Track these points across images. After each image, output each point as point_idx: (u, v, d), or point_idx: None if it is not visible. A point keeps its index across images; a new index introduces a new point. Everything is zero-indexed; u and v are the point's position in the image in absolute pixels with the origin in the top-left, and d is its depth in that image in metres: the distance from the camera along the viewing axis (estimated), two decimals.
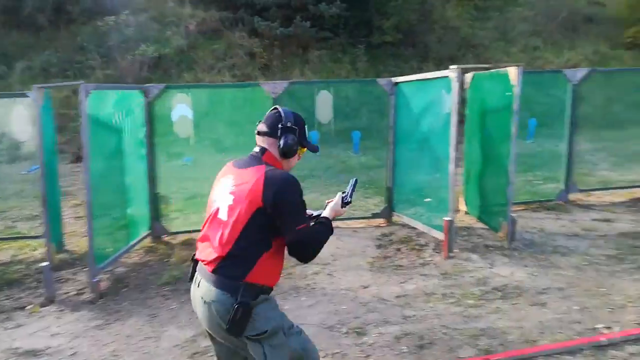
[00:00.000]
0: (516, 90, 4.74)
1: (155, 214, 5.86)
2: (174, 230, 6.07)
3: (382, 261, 5.07)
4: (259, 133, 2.24)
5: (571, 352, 3.27)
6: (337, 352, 3.42)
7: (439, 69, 15.57)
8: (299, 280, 4.70)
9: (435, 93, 5.05)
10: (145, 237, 5.77)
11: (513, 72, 4.74)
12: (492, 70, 5.41)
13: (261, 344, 2.03)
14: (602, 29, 17.37)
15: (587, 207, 6.59)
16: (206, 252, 2.10)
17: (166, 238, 6.01)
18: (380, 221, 6.41)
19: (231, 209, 2.05)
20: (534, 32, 17.12)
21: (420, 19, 16.40)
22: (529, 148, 11.85)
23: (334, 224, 2.27)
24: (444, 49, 16.31)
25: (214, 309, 2.01)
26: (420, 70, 15.95)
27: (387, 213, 6.38)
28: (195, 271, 2.18)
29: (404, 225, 6.11)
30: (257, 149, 2.22)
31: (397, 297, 4.24)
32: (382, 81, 6.00)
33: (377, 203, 6.76)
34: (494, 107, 5.37)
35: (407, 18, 15.89)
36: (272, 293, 2.15)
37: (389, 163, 6.29)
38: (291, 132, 2.18)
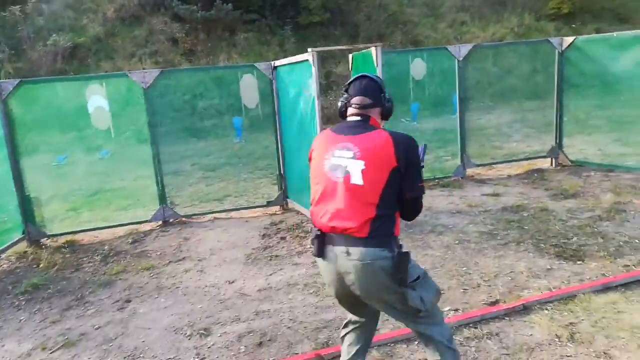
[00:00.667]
0: (379, 70, 4.60)
1: (30, 217, 5.51)
2: (55, 232, 5.73)
3: (260, 252, 4.91)
4: (365, 106, 2.26)
5: (406, 339, 3.19)
6: (170, 358, 3.24)
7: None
8: (166, 279, 4.48)
9: (303, 76, 4.86)
10: (17, 242, 5.43)
11: (374, 52, 4.60)
12: (364, 51, 5.26)
13: (415, 289, 2.17)
14: (527, 1, 17.60)
15: (482, 181, 6.61)
16: (347, 220, 2.13)
17: (47, 241, 5.67)
18: (276, 209, 6.26)
19: (366, 172, 2.11)
20: (462, 7, 17.19)
21: None
22: (453, 123, 11.91)
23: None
24: (373, 27, 16.19)
25: (379, 265, 2.11)
26: (350, 50, 15.82)
27: (282, 200, 6.23)
28: (324, 246, 2.21)
29: (298, 213, 5.98)
30: (358, 118, 2.27)
31: (259, 290, 4.09)
32: (261, 65, 5.78)
33: (273, 191, 6.57)
34: None
35: None
36: None
37: (279, 149, 6.12)
38: (387, 96, 2.33)
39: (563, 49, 6.52)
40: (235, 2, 15.05)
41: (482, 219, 5.19)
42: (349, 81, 2.36)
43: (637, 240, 4.33)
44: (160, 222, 5.95)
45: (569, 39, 6.50)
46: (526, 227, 4.85)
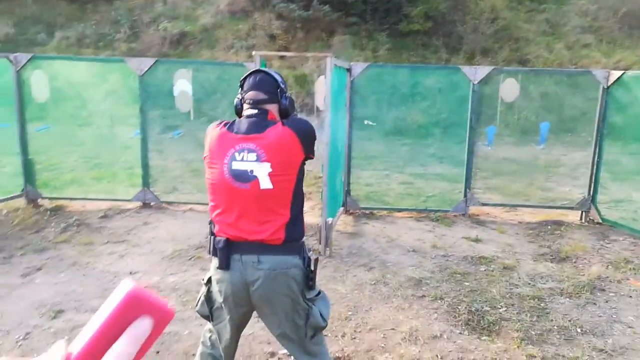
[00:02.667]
0: (328, 81, 4.23)
1: (30, 178, 6.07)
2: (49, 195, 6.25)
3: (189, 250, 4.83)
4: (258, 102, 2.08)
5: None
6: (3, 331, 3.35)
7: (470, 63, 14.56)
8: (88, 257, 4.61)
9: None
10: (16, 197, 6.03)
11: (328, 62, 4.23)
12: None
13: (316, 305, 2.10)
14: None
15: (481, 223, 5.77)
16: (260, 228, 1.99)
17: (43, 201, 6.19)
18: None
19: (274, 175, 1.96)
20: (589, 29, 15.20)
21: (455, 6, 15.27)
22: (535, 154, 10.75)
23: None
24: (478, 40, 15.09)
25: (292, 274, 2.01)
26: (448, 62, 14.90)
27: None
28: (229, 257, 2.01)
29: None
30: (255, 111, 2.07)
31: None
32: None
33: None
34: None
35: (437, 6, 14.87)
36: None
37: None
38: (286, 92, 2.17)
39: (609, 84, 5.40)
40: (338, 5, 15.08)
41: (429, 264, 4.53)
42: (243, 76, 2.16)
43: (579, 329, 3.43)
44: (140, 204, 6.19)
45: (616, 73, 5.36)
46: (466, 283, 4.12)
